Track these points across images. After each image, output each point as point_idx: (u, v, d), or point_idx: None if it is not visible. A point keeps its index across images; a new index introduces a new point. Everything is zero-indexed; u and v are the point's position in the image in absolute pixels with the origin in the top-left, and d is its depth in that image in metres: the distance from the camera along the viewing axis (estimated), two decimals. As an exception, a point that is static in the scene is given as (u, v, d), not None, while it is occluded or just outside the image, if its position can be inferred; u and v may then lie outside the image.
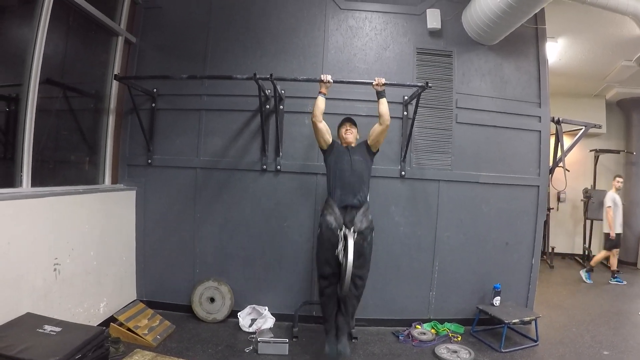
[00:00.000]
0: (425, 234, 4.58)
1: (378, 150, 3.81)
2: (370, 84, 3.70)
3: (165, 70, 4.53)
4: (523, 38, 4.74)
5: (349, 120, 3.86)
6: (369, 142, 3.74)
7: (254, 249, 4.57)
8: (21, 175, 3.26)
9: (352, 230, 3.35)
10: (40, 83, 3.36)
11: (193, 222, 4.60)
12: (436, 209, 4.57)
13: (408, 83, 4.31)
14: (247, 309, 4.44)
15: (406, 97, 4.48)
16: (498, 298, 4.41)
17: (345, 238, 3.28)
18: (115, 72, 4.38)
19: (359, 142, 3.85)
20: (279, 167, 4.51)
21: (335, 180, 3.60)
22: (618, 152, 8.62)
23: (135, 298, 4.56)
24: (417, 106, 4.03)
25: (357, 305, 3.68)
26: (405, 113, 4.51)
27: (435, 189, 4.57)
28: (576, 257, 8.70)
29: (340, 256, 3.30)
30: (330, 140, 3.73)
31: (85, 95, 4.35)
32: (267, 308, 4.43)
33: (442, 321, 4.52)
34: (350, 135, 3.79)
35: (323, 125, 3.66)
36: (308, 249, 4.53)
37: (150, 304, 4.45)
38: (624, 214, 8.54)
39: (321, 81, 3.67)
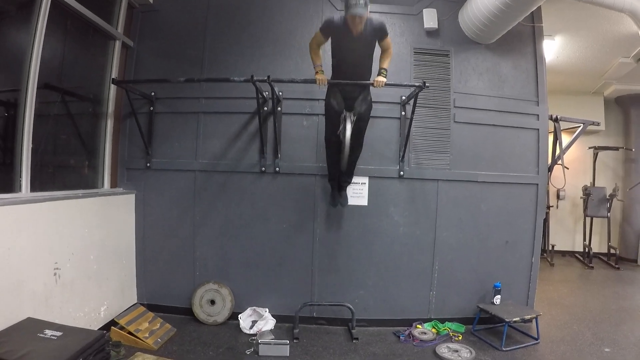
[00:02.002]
0: (425, 233, 4.59)
1: None
2: (370, 84, 3.71)
3: (163, 73, 4.53)
4: (520, 36, 4.74)
5: (359, 13, 3.34)
6: (380, 44, 3.70)
7: (254, 250, 4.58)
8: (20, 181, 3.26)
9: (352, 113, 3.78)
10: (38, 88, 3.36)
11: (192, 224, 4.61)
12: (435, 208, 4.57)
13: (405, 83, 4.32)
14: (248, 311, 4.44)
15: (404, 97, 4.49)
16: (498, 297, 4.40)
17: (346, 120, 3.72)
18: (113, 76, 4.39)
19: (368, 29, 3.55)
20: (277, 168, 4.52)
21: (339, 69, 3.75)
22: (617, 149, 8.61)
23: (136, 301, 4.57)
24: (414, 106, 4.02)
25: (354, 166, 4.17)
26: (403, 113, 4.52)
27: (434, 189, 4.57)
28: (576, 255, 8.70)
29: (342, 136, 3.74)
30: (322, 34, 3.63)
31: (84, 99, 4.35)
32: (267, 310, 4.43)
33: (442, 320, 4.53)
34: (361, 24, 3.43)
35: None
36: (308, 250, 4.54)
37: (151, 307, 4.46)
38: (623, 210, 8.58)
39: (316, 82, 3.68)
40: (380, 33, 3.60)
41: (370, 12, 4.56)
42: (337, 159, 3.94)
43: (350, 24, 3.43)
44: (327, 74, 3.79)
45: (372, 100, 3.89)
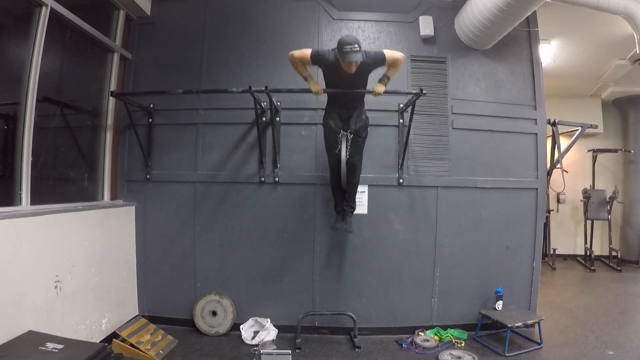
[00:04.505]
0: (425, 240, 4.58)
1: None
2: (369, 93, 3.68)
3: (161, 85, 4.54)
4: (516, 41, 4.76)
5: (354, 59, 3.32)
6: (386, 63, 3.56)
7: (254, 261, 4.57)
8: (20, 194, 3.27)
9: (348, 132, 3.78)
10: (37, 101, 3.38)
11: (193, 236, 4.60)
12: (435, 215, 4.57)
13: (403, 91, 4.33)
14: (250, 322, 4.43)
15: (401, 105, 4.50)
16: (500, 302, 4.39)
17: (341, 141, 3.78)
18: (112, 89, 4.43)
19: (364, 62, 3.47)
20: (277, 178, 4.52)
21: (332, 99, 3.83)
22: (616, 151, 8.63)
23: (137, 313, 4.55)
24: (412, 113, 4.05)
25: (356, 189, 4.15)
26: (401, 121, 4.53)
27: (433, 196, 4.57)
28: (578, 258, 8.68)
29: (340, 155, 3.79)
30: (310, 60, 3.55)
31: (83, 112, 4.38)
32: (269, 320, 4.41)
33: (445, 327, 4.50)
34: (355, 66, 3.41)
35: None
36: (308, 260, 4.54)
37: (152, 319, 4.44)
38: (624, 212, 8.58)
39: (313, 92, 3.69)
40: (379, 63, 3.56)
41: (366, 20, 4.66)
42: (339, 183, 3.92)
43: (345, 67, 3.40)
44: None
45: (371, 107, 3.89)
